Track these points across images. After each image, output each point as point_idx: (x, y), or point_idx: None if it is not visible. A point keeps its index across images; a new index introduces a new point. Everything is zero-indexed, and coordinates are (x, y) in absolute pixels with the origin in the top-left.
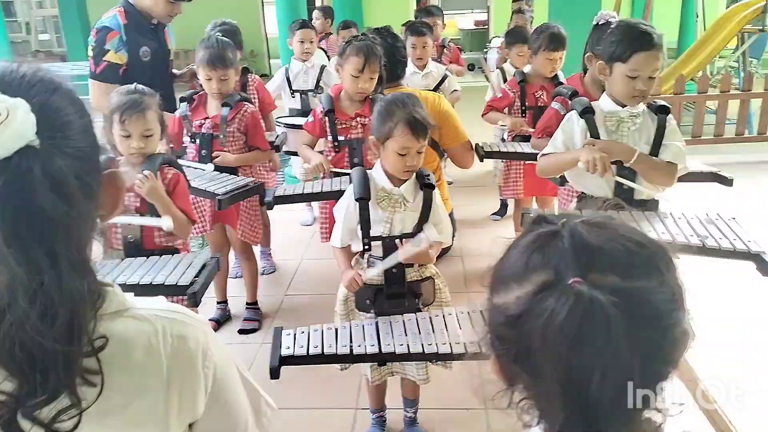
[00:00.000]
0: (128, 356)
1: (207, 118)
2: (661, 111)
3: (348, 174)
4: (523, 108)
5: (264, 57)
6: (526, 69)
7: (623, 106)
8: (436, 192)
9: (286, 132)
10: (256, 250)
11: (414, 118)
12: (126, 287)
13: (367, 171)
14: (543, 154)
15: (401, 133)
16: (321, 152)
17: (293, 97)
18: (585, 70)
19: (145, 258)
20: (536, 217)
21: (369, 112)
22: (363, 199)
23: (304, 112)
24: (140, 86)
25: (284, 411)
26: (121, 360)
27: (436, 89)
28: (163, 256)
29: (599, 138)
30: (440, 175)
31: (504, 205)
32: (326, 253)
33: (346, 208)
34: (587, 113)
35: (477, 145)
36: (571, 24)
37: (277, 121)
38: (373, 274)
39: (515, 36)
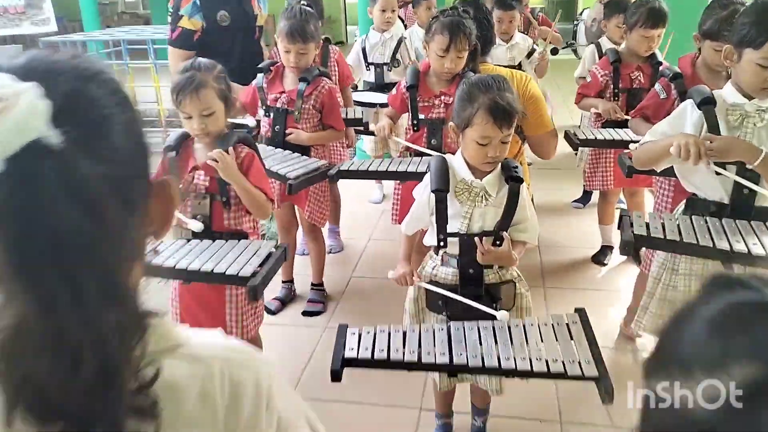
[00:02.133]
0: (179, 406)
1: (283, 92)
2: None
3: (422, 153)
4: (616, 91)
5: (341, 24)
6: (621, 47)
7: (750, 98)
8: (523, 187)
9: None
10: (324, 228)
11: (497, 105)
12: (185, 273)
13: (447, 158)
14: (641, 143)
15: (482, 120)
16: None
17: (368, 69)
18: (699, 51)
19: (211, 241)
20: (722, 278)
21: (455, 91)
22: (440, 191)
23: (379, 86)
24: (198, 61)
25: (346, 405)
26: (171, 411)
27: (520, 65)
28: (229, 241)
29: (719, 134)
30: (522, 159)
31: (587, 193)
32: (395, 233)
33: (420, 195)
34: (707, 104)
35: (568, 132)
36: None
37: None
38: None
39: (615, 6)
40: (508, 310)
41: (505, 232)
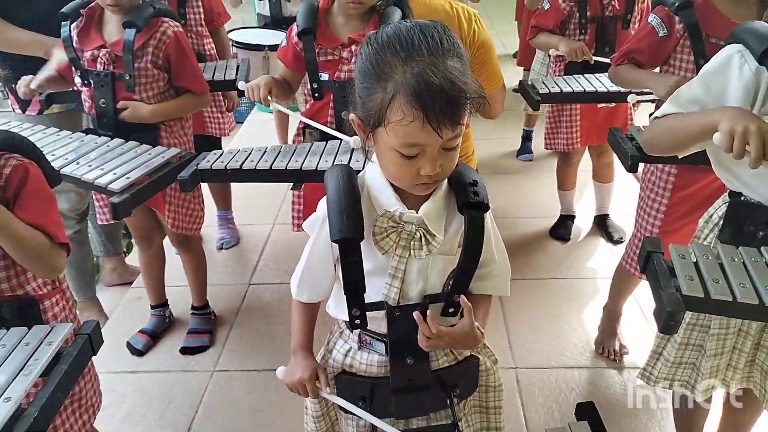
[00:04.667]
0: None
1: (103, 46)
2: None
3: (328, 136)
4: (583, 21)
5: None
6: None
7: None
8: (488, 216)
9: (244, 57)
10: (212, 214)
11: (430, 86)
12: None
13: (359, 174)
14: (656, 117)
15: (404, 114)
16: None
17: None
18: None
19: None
20: None
21: None
22: (346, 241)
23: (276, 21)
24: None
25: None
26: None
27: None
28: None
29: None
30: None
31: (528, 140)
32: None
33: (315, 240)
34: None
35: (523, 84)
36: None
37: (230, 39)
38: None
39: None
40: (465, 399)
41: (463, 297)
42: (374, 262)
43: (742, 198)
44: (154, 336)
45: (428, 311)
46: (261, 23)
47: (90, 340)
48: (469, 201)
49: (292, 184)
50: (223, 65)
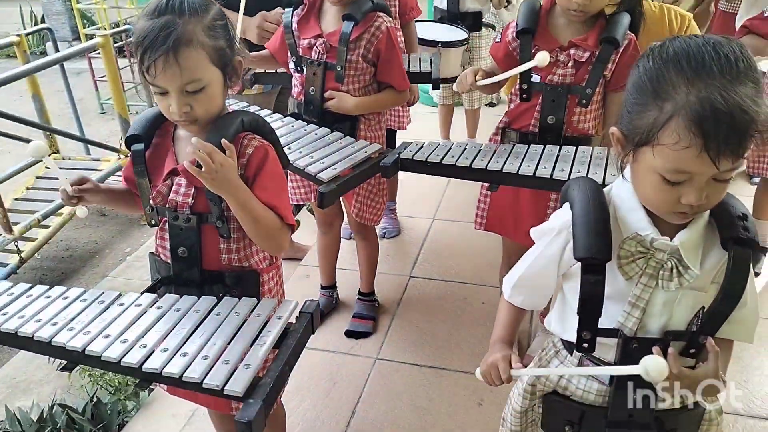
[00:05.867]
0: None
1: (320, 35)
2: None
3: (528, 139)
4: None
5: None
6: None
7: None
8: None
9: (424, 52)
10: None
11: (717, 112)
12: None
13: (605, 188)
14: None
15: (679, 138)
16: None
17: None
18: None
19: (179, 297)
20: None
21: (595, 43)
22: (592, 261)
23: (452, 16)
24: None
25: None
26: None
27: None
28: (224, 300)
29: None
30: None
31: None
32: (470, 211)
33: (547, 243)
34: None
35: None
36: None
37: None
38: (524, 376)
39: None
40: None
41: (711, 339)
42: (614, 286)
43: None
44: (322, 315)
45: (670, 348)
46: (437, 17)
47: (311, 320)
48: (737, 236)
49: (474, 181)
50: (417, 58)
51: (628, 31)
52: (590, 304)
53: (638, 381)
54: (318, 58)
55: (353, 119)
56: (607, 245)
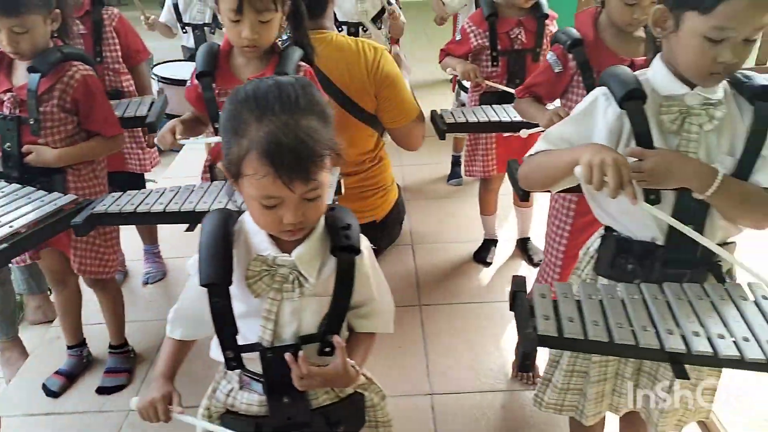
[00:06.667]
0: None
1: (10, 90)
2: (762, 97)
3: None
4: (494, 54)
5: None
6: None
7: (692, 86)
8: (362, 257)
9: (163, 93)
10: (138, 252)
11: (280, 145)
12: None
13: (238, 215)
14: (529, 155)
15: (257, 169)
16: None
17: (185, 32)
18: (602, 3)
19: None
20: None
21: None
22: (213, 286)
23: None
24: None
25: None
26: None
27: (375, 20)
28: None
29: (651, 145)
30: (382, 154)
31: (457, 163)
32: None
33: (191, 283)
34: (634, 98)
35: (433, 114)
36: None
37: (154, 74)
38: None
39: None
40: None
41: (336, 336)
42: (248, 305)
43: (614, 233)
44: (71, 377)
45: (300, 352)
46: (186, 56)
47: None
48: (340, 245)
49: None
50: (138, 102)
51: (303, 63)
52: (223, 324)
53: (286, 387)
54: (10, 112)
55: (59, 172)
56: (223, 270)
